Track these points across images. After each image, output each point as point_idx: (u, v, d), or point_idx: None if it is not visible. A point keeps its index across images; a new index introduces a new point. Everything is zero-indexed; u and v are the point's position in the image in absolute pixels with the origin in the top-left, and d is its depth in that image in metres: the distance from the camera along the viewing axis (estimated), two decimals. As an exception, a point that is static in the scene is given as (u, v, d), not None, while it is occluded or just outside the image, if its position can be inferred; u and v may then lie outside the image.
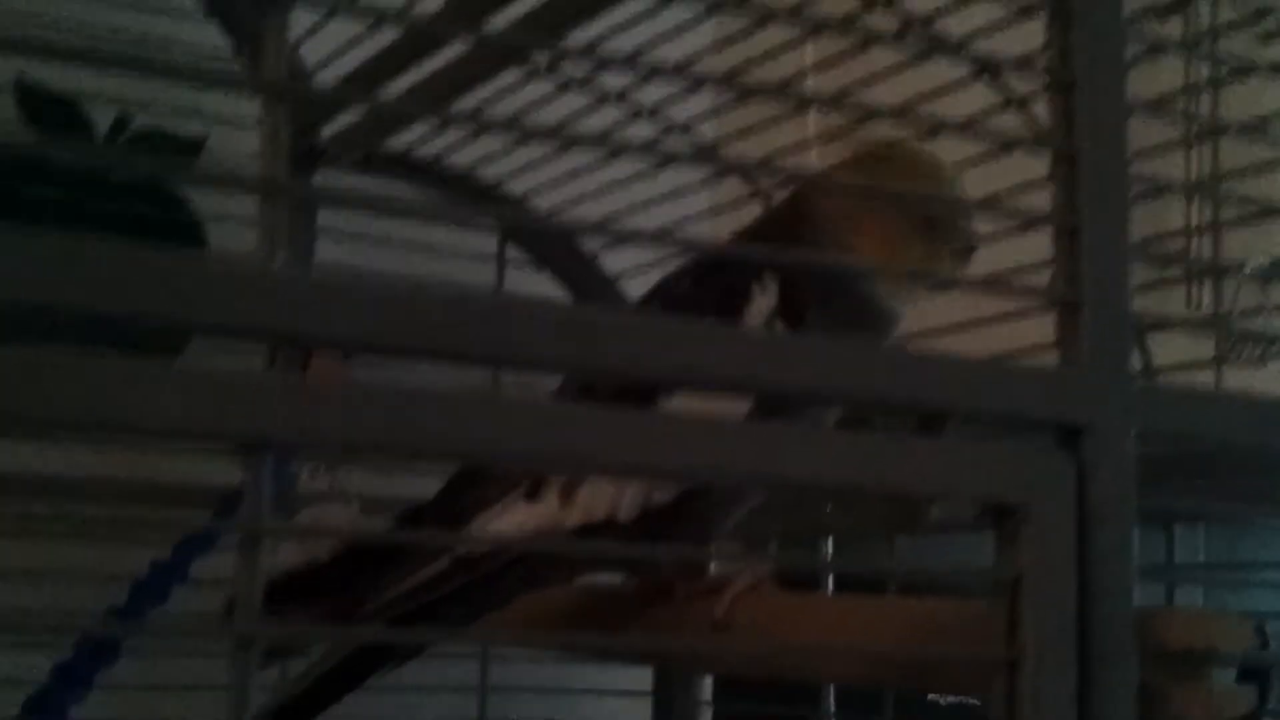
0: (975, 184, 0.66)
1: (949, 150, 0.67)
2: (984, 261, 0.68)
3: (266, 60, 0.44)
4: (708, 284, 0.69)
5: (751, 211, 0.92)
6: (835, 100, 0.67)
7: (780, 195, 0.81)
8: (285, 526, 0.36)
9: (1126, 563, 0.47)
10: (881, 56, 0.67)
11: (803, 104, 0.73)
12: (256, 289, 0.37)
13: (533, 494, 0.66)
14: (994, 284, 0.51)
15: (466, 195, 1.06)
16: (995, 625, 0.46)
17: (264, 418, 0.37)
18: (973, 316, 0.64)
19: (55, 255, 0.35)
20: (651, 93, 0.93)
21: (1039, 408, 0.48)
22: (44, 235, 0.34)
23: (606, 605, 0.77)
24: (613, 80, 0.92)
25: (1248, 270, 0.70)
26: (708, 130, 0.98)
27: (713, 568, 0.75)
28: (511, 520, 0.66)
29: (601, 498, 0.66)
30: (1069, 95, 0.49)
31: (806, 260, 0.66)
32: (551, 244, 1.07)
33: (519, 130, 0.77)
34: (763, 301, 0.66)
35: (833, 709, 0.98)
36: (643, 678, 1.08)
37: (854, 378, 0.45)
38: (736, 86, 0.72)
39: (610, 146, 0.64)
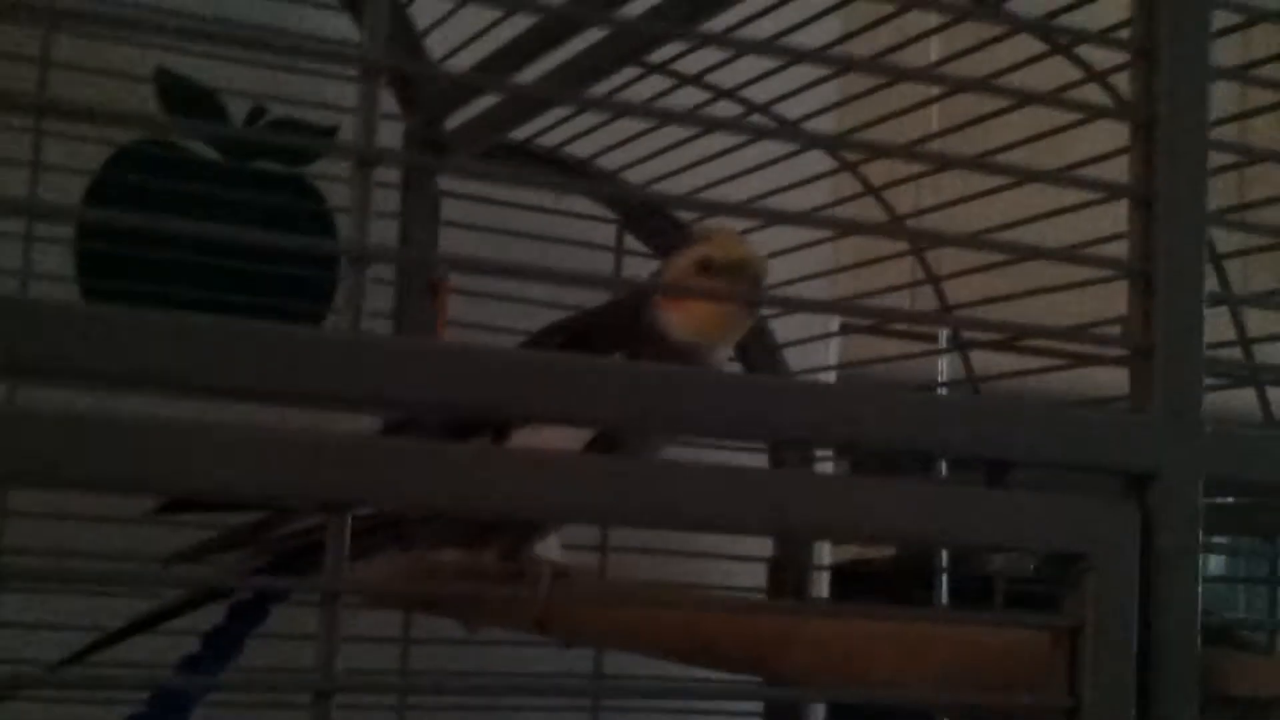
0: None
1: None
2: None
3: (365, 28, 0.44)
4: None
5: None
6: (922, 73, 0.68)
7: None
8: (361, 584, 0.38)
9: (1191, 611, 0.47)
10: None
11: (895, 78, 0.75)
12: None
13: None
14: (1072, 331, 0.51)
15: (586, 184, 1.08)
16: (1056, 671, 0.47)
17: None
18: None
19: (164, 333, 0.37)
20: (771, 87, 0.93)
21: (1107, 455, 0.48)
22: (153, 316, 0.37)
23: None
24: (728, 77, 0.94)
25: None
26: (829, 122, 0.99)
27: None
28: None
29: None
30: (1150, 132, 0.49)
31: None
32: (667, 233, 1.09)
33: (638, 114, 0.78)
34: None
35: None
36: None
37: (927, 427, 0.46)
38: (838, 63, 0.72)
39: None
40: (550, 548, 0.84)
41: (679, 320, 0.80)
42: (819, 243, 1.03)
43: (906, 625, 0.59)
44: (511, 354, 0.42)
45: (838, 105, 0.97)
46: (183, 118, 1.08)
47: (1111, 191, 0.52)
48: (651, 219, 1.09)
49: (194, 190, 1.04)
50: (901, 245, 0.98)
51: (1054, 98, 0.55)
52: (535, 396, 0.40)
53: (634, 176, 1.06)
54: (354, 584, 0.39)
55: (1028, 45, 0.79)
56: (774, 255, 0.99)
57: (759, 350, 1.05)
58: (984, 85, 0.54)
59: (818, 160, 1.00)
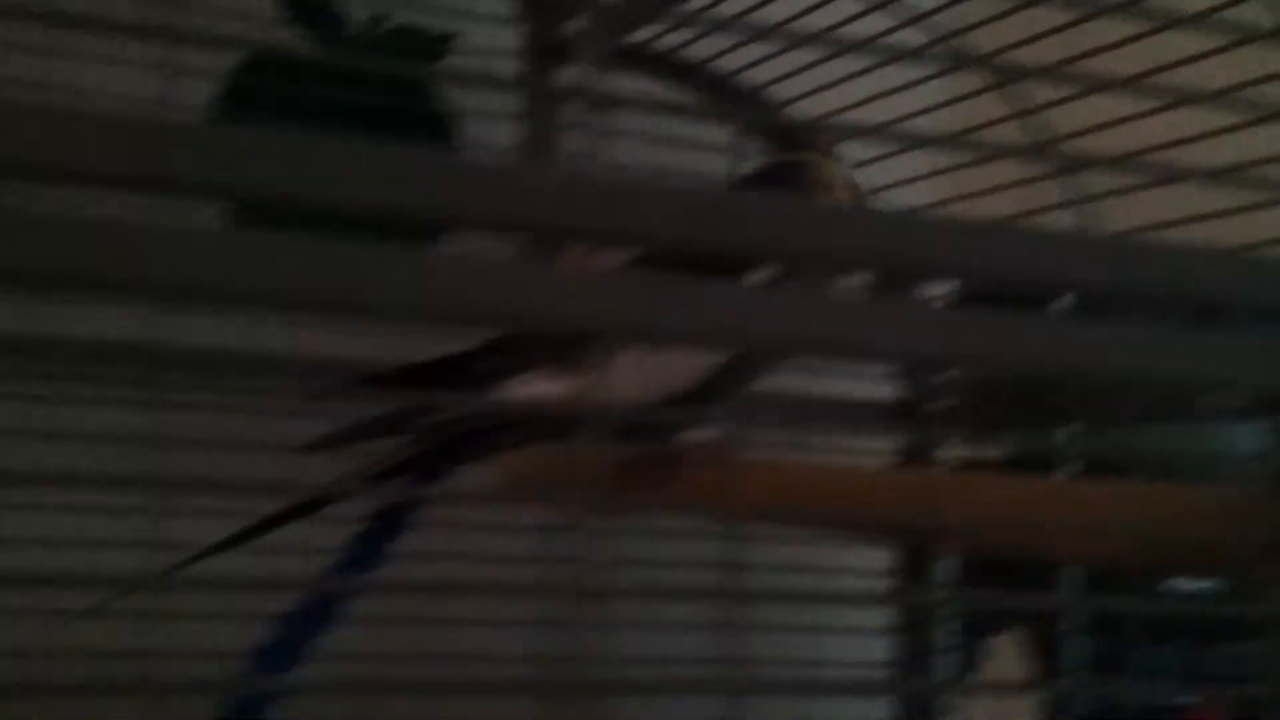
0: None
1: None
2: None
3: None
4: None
5: (982, 105, 0.94)
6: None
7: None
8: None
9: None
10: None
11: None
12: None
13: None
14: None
15: (705, 88, 1.08)
16: (1265, 510, 0.48)
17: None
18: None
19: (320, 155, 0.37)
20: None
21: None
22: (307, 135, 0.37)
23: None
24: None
25: None
26: (947, 20, 0.98)
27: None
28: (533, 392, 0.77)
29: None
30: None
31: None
32: (785, 136, 1.08)
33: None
34: None
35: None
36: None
37: (1141, 273, 0.47)
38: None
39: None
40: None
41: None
42: (964, 166, 1.02)
43: (1074, 486, 0.60)
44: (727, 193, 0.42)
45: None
46: (301, 23, 1.08)
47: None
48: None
49: (312, 90, 1.04)
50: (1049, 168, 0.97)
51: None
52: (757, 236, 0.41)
53: (757, 76, 1.06)
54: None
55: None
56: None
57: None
58: None
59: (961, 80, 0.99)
